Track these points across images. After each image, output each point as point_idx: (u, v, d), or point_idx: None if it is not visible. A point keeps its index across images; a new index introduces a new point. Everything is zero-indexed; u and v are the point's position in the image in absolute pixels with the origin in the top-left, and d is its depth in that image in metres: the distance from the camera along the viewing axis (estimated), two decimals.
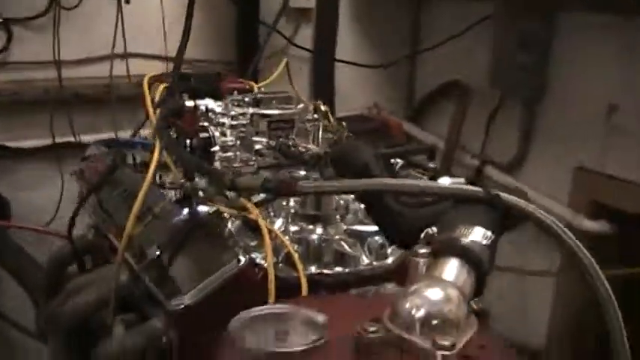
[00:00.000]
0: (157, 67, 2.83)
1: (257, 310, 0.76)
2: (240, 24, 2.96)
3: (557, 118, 2.78)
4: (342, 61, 3.20)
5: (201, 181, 1.26)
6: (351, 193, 1.14)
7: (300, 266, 1.17)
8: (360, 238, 1.28)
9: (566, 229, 0.84)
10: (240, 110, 1.41)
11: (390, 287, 1.16)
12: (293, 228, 1.27)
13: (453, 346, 0.68)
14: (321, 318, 0.72)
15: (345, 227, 1.29)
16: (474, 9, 2.95)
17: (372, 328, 0.71)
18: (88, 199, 1.37)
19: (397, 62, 3.24)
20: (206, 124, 1.37)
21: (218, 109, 1.40)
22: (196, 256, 1.16)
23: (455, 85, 3.14)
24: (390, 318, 0.72)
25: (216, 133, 1.32)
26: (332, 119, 1.48)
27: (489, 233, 0.85)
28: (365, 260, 1.26)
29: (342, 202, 1.32)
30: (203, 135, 1.32)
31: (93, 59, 2.74)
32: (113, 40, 2.59)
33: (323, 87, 3.08)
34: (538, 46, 2.80)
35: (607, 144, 2.60)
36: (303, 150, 1.37)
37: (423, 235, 0.89)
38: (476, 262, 0.82)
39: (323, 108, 1.47)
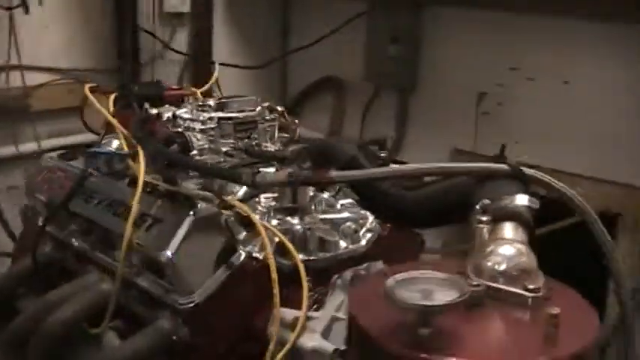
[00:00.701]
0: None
1: (403, 274, 0.82)
2: (119, 31, 2.93)
3: (431, 106, 3.00)
4: (220, 64, 3.24)
5: (189, 184, 1.30)
6: (379, 180, 1.22)
7: (296, 254, 1.25)
8: (336, 225, 1.37)
9: (581, 199, 0.99)
10: (207, 115, 1.45)
11: (379, 264, 1.26)
12: (273, 221, 1.34)
13: (538, 289, 0.81)
14: (457, 278, 0.81)
15: (320, 217, 1.38)
16: (345, 8, 3.10)
17: (474, 283, 0.82)
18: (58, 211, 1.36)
19: (272, 62, 3.31)
20: (179, 129, 1.40)
21: (186, 115, 1.43)
22: (200, 254, 1.21)
23: (329, 81, 3.28)
24: (475, 275, 0.83)
25: (193, 138, 1.36)
26: (288, 118, 1.56)
27: (533, 198, 0.98)
28: (342, 245, 1.35)
29: (311, 193, 1.41)
30: (180, 140, 1.35)
31: None
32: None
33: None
34: (409, 39, 3.00)
35: (478, 127, 2.84)
36: (270, 149, 1.44)
37: (479, 206, 1.00)
38: (526, 222, 0.96)
39: (279, 109, 1.55)
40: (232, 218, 1.27)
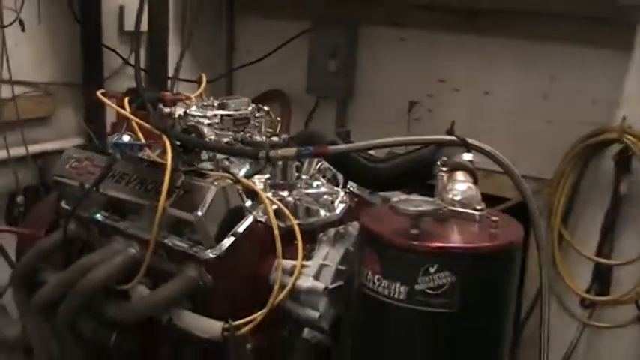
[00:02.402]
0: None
1: (400, 198, 1.18)
2: (85, 48, 3.17)
3: (367, 114, 3.38)
4: (178, 79, 3.53)
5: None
6: (369, 149, 1.55)
7: (292, 218, 1.58)
8: (316, 198, 1.71)
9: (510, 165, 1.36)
10: (212, 112, 1.77)
11: (355, 224, 1.61)
12: (269, 195, 1.67)
13: (483, 209, 1.18)
14: (434, 200, 1.18)
15: (304, 192, 1.72)
16: (287, 28, 3.46)
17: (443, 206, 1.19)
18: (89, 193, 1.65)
19: (220, 77, 3.63)
20: (192, 124, 1.70)
21: (195, 113, 1.74)
22: (219, 217, 1.52)
23: (275, 93, 3.62)
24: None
25: (205, 131, 1.67)
26: (272, 116, 1.90)
27: (471, 156, 1.36)
28: (322, 213, 1.70)
29: (295, 174, 1.75)
30: (196, 131, 1.66)
31: None
32: None
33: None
34: (346, 55, 3.39)
35: (410, 131, 3.24)
36: (262, 140, 1.77)
37: (439, 162, 1.36)
38: (471, 171, 1.33)
39: (265, 108, 1.88)
40: (240, 191, 1.59)
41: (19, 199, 2.77)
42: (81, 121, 3.25)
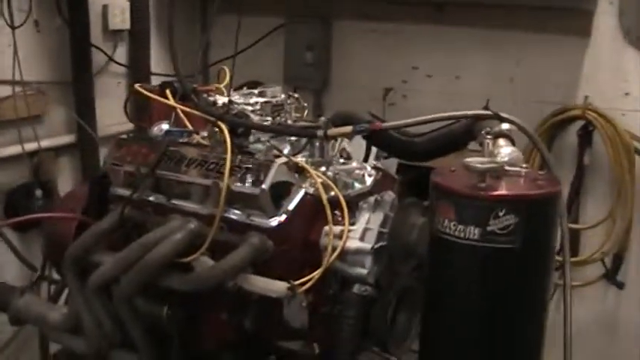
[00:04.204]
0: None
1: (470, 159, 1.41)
2: (74, 47, 3.30)
3: (343, 102, 3.60)
4: (156, 74, 3.69)
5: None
6: (416, 124, 1.76)
7: (336, 189, 1.79)
8: (350, 171, 1.93)
9: (536, 136, 1.61)
10: (253, 100, 1.97)
11: (390, 193, 1.84)
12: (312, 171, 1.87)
13: (528, 167, 1.44)
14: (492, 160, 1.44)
15: (339, 167, 1.93)
16: (263, 22, 3.65)
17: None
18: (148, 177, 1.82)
19: (199, 72, 3.79)
20: (236, 111, 1.89)
21: (239, 100, 1.94)
22: (278, 189, 1.73)
23: (253, 84, 3.80)
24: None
25: (251, 117, 1.87)
26: (301, 102, 2.11)
27: (508, 126, 1.60)
28: (357, 185, 1.91)
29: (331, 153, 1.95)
30: (244, 117, 1.85)
31: None
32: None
33: None
34: (321, 47, 3.61)
35: (386, 116, 3.48)
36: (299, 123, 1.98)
37: (484, 131, 1.60)
38: (510, 137, 1.57)
39: (296, 95, 2.09)
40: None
41: (38, 192, 2.89)
42: (71, 119, 3.36)
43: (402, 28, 3.37)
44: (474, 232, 1.32)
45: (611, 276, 3.07)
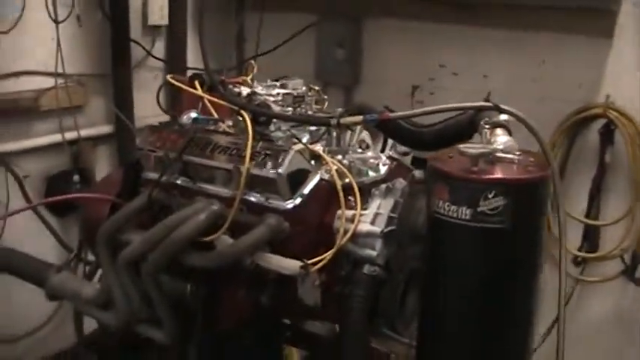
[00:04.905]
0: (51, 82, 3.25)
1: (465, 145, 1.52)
2: (114, 41, 3.45)
3: (373, 98, 3.66)
4: (191, 68, 3.82)
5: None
6: (422, 115, 1.85)
7: (350, 176, 1.89)
8: (364, 160, 2.03)
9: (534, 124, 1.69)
10: (275, 91, 2.09)
11: (401, 180, 1.93)
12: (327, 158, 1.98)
13: (520, 154, 1.53)
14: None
15: (354, 156, 2.03)
16: (296, 18, 3.77)
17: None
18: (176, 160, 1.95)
19: (235, 67, 3.93)
20: (259, 101, 2.01)
21: (262, 92, 2.06)
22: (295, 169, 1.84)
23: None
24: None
25: (273, 107, 1.99)
26: (321, 95, 2.22)
27: (506, 117, 1.69)
28: (370, 173, 2.01)
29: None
30: (266, 107, 1.97)
31: None
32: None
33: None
34: (352, 45, 3.72)
35: None
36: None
37: (483, 121, 1.69)
38: (507, 127, 1.66)
39: (316, 88, 2.21)
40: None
41: (75, 177, 3.06)
42: (110, 110, 3.51)
43: (430, 27, 3.46)
44: (465, 212, 1.42)
45: (630, 273, 3.12)
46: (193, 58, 3.79)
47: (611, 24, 2.99)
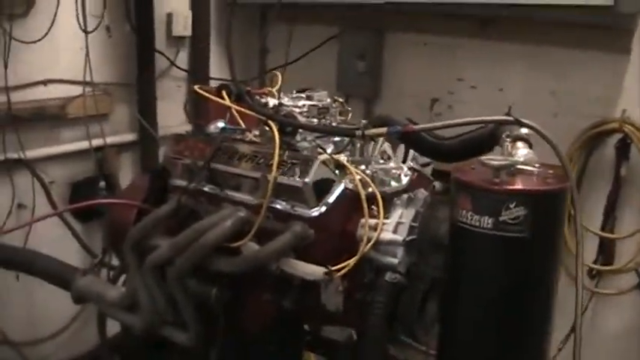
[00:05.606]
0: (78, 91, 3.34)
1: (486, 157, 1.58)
2: (140, 52, 3.54)
3: (392, 110, 3.72)
4: (214, 78, 3.90)
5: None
6: (445, 127, 1.91)
7: (373, 186, 1.95)
8: (387, 171, 2.09)
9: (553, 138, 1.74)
10: (301, 103, 2.15)
11: (422, 191, 1.99)
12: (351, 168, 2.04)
13: (541, 166, 1.59)
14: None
15: (377, 166, 2.09)
16: (317, 31, 3.84)
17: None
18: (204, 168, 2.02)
19: (256, 77, 4.00)
20: (285, 112, 2.07)
21: (288, 103, 2.13)
22: (320, 183, 1.90)
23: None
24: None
25: (299, 118, 2.05)
26: (345, 106, 2.28)
27: (527, 130, 1.74)
28: (392, 183, 2.07)
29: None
30: (292, 118, 2.04)
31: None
32: None
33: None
34: (373, 57, 3.78)
35: None
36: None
37: (504, 135, 1.75)
38: (528, 141, 1.71)
39: (340, 100, 2.27)
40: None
41: (101, 183, 3.13)
42: (134, 118, 3.59)
43: (449, 42, 3.52)
44: (487, 221, 1.48)
45: None
46: (215, 69, 3.86)
47: (628, 41, 3.03)
